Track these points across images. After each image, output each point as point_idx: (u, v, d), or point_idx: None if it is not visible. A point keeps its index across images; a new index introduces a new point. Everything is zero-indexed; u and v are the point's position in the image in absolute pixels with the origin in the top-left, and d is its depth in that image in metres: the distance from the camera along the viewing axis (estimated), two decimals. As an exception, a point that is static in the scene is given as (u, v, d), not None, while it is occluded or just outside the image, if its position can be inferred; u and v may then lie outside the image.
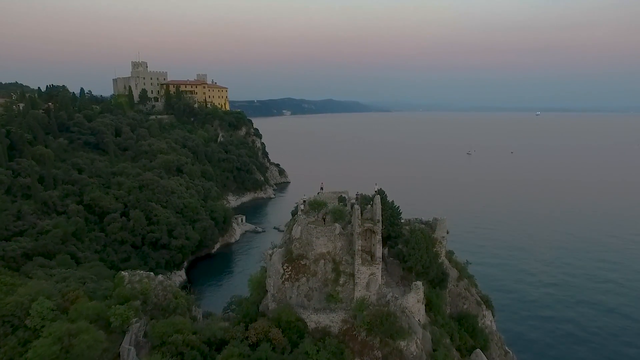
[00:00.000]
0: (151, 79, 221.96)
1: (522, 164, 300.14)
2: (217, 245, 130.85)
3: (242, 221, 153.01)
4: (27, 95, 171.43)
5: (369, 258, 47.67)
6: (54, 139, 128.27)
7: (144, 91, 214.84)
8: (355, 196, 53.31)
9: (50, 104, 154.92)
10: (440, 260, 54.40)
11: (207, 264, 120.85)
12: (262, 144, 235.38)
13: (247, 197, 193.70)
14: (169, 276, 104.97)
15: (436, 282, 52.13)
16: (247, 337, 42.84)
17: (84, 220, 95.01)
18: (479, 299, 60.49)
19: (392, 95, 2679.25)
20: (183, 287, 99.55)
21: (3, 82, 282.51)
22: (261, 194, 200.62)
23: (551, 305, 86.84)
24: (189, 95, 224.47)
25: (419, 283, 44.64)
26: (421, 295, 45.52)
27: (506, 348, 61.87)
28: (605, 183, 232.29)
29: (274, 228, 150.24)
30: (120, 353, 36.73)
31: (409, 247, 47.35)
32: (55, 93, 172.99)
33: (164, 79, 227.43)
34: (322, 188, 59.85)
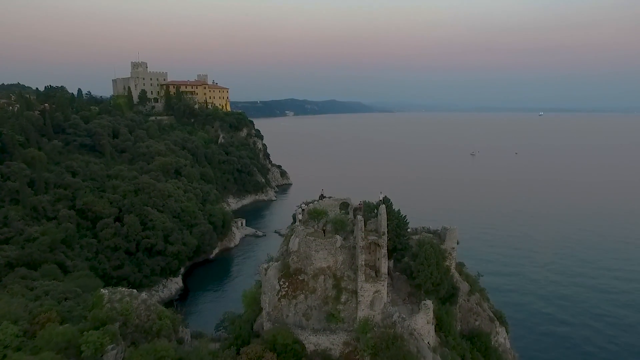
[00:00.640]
0: (151, 79, 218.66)
1: (528, 165, 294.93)
2: (216, 251, 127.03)
3: (242, 225, 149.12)
4: (23, 96, 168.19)
5: (374, 274, 43.40)
6: (48, 141, 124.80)
7: (143, 92, 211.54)
8: (358, 205, 48.93)
9: (46, 105, 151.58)
10: (450, 274, 50.05)
11: (205, 270, 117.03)
12: (264, 145, 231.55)
13: (247, 200, 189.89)
14: (165, 283, 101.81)
15: (446, 297, 47.78)
16: (239, 363, 38.74)
17: (75, 226, 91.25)
18: (491, 314, 56.07)
19: (394, 96, 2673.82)
20: (169, 303, 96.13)
21: (5, 83, 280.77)
22: (262, 197, 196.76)
23: (567, 320, 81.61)
24: (189, 96, 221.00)
25: (429, 302, 40.40)
26: (431, 315, 41.25)
27: (521, 367, 57.54)
28: (615, 184, 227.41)
29: (275, 232, 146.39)
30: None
31: (418, 262, 43.02)
32: (52, 94, 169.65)
33: (164, 80, 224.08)
34: (322, 195, 55.66)
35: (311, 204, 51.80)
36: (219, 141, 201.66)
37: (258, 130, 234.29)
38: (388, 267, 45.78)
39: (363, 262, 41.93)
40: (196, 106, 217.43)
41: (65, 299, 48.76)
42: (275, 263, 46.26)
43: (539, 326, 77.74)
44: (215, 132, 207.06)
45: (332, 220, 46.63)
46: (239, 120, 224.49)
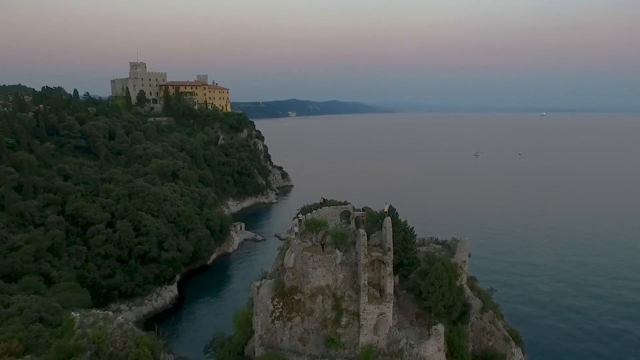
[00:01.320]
0: (150, 80, 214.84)
1: (532, 166, 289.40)
2: (214, 256, 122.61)
3: (241, 229, 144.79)
4: (18, 97, 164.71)
5: (378, 294, 38.95)
6: (40, 143, 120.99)
7: (142, 92, 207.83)
8: (360, 218, 44.39)
9: (41, 106, 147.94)
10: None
11: (201, 277, 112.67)
12: (265, 146, 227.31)
13: (248, 202, 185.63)
14: (159, 292, 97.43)
15: (457, 315, 43.16)
16: (227, 394, 34.53)
17: (64, 233, 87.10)
18: (506, 333, 51.42)
19: (396, 96, 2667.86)
20: (162, 313, 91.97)
21: (7, 85, 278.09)
22: (263, 199, 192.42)
23: (586, 337, 75.72)
24: (189, 97, 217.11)
25: (440, 327, 35.88)
26: (442, 341, 36.70)
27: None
28: (622, 184, 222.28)
29: (275, 236, 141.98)
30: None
31: (428, 282, 38.45)
32: (48, 95, 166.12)
33: (163, 80, 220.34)
34: (322, 203, 51.28)
35: (309, 214, 47.42)
36: (219, 142, 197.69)
37: (259, 131, 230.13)
38: (394, 284, 41.34)
39: (366, 281, 37.49)
40: (196, 107, 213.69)
41: (40, 319, 44.51)
42: (269, 281, 41.88)
43: (556, 345, 72.34)
44: (215, 133, 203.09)
45: (331, 232, 42.23)
46: (239, 121, 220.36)
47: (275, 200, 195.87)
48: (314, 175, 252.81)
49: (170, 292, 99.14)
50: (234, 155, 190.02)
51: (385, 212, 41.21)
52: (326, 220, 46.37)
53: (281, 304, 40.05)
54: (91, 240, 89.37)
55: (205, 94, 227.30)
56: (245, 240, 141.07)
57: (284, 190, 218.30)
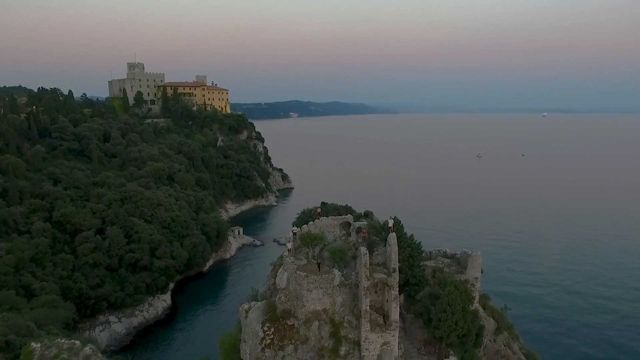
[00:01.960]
0: (147, 80, 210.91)
1: (536, 167, 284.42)
2: (210, 263, 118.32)
3: (239, 233, 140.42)
4: (13, 98, 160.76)
5: (381, 320, 34.30)
6: (31, 145, 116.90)
7: (139, 93, 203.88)
8: (362, 234, 39.72)
9: (34, 107, 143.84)
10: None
11: (197, 285, 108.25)
12: (265, 148, 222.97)
13: (247, 205, 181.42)
14: (151, 301, 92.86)
15: (472, 344, 38.45)
16: None
17: (51, 240, 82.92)
18: (523, 357, 46.60)
19: (398, 97, 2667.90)
20: (155, 324, 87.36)
21: (7, 86, 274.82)
22: (262, 202, 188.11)
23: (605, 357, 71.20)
24: (187, 98, 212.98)
25: (454, 360, 31.32)
26: (455, 376, 32.07)
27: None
28: (628, 185, 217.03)
29: (274, 241, 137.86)
30: None
31: (439, 309, 33.76)
32: (41, 96, 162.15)
33: (161, 81, 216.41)
34: (319, 213, 46.72)
35: (305, 226, 42.84)
36: (218, 144, 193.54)
37: (259, 133, 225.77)
38: (399, 303, 36.73)
39: (368, 307, 32.86)
40: (194, 108, 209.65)
41: (7, 343, 40.06)
42: (259, 303, 37.22)
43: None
44: (214, 135, 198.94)
45: (329, 249, 37.62)
46: (238, 122, 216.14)
47: (275, 203, 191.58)
48: (315, 177, 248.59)
49: (163, 302, 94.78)
50: (233, 157, 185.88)
51: (390, 227, 36.56)
52: (323, 234, 41.82)
53: (272, 330, 35.49)
54: (79, 248, 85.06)
55: (204, 95, 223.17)
56: (243, 245, 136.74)
57: (285, 193, 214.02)
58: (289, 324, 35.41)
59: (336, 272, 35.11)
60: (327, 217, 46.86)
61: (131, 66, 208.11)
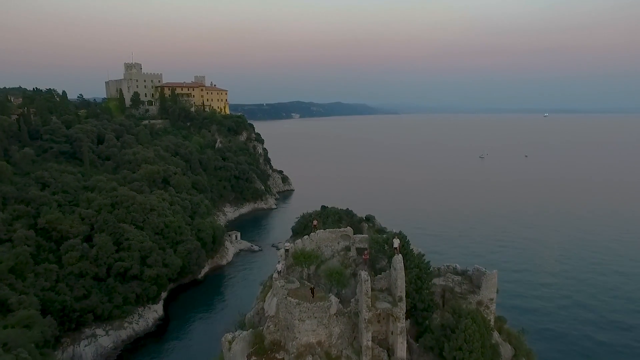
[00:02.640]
0: (145, 81, 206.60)
1: (540, 168, 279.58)
2: (205, 269, 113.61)
3: (236, 238, 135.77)
4: (6, 98, 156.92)
5: (385, 355, 29.53)
6: (20, 148, 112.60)
7: (136, 94, 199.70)
8: (362, 257, 34.87)
9: (25, 108, 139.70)
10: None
11: (191, 294, 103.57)
12: (264, 149, 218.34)
13: (246, 209, 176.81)
14: (141, 313, 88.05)
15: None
16: None
17: (35, 249, 78.46)
18: (543, 387, 41.77)
19: (400, 98, 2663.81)
20: (144, 337, 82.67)
21: (8, 87, 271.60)
22: (262, 205, 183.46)
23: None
24: (185, 99, 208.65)
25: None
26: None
27: None
28: (633, 185, 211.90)
29: (272, 246, 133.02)
30: None
31: (454, 346, 28.94)
32: (34, 97, 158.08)
33: (159, 81, 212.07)
34: (315, 226, 41.98)
35: (299, 241, 38.09)
36: (216, 146, 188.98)
37: (258, 134, 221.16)
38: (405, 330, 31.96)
39: (369, 342, 28.10)
40: (192, 109, 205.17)
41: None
42: (244, 333, 32.43)
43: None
44: (212, 136, 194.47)
45: (325, 270, 32.86)
46: (238, 123, 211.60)
47: (274, 206, 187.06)
48: (315, 179, 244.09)
49: (154, 313, 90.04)
50: (231, 159, 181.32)
51: (396, 248, 31.75)
52: (320, 250, 37.09)
53: (259, 364, 30.80)
54: (64, 257, 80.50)
55: (202, 96, 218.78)
56: (240, 250, 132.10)
57: (285, 195, 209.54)
58: (278, 358, 30.69)
59: (333, 298, 30.35)
60: (324, 229, 42.18)
61: (128, 66, 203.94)
